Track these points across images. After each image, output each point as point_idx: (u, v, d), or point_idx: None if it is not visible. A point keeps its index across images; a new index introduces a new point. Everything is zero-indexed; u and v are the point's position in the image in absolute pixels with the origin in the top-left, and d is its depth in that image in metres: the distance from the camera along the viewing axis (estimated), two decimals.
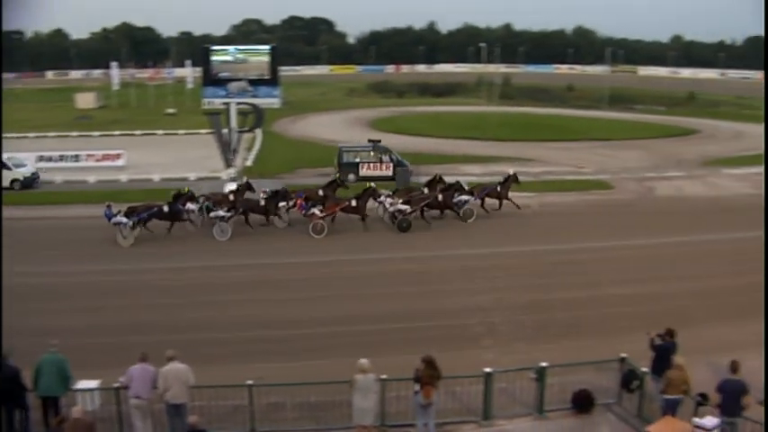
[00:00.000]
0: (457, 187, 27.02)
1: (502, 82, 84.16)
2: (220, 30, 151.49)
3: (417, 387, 11.75)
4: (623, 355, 13.13)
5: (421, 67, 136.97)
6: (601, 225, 27.08)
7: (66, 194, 31.39)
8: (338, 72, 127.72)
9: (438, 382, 11.77)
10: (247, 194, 26.42)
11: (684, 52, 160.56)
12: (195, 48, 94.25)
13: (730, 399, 11.25)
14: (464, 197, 26.63)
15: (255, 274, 21.11)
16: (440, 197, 26.49)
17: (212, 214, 25.00)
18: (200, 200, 25.63)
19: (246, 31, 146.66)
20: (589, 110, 71.01)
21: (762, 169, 37.45)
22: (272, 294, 19.34)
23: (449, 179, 28.45)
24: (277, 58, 66.95)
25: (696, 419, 11.03)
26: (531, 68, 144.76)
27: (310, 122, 58.50)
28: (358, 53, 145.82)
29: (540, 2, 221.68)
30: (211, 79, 65.46)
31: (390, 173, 34.05)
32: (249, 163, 38.89)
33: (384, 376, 12.08)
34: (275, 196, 25.71)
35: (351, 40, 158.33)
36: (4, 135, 33.91)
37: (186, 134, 49.32)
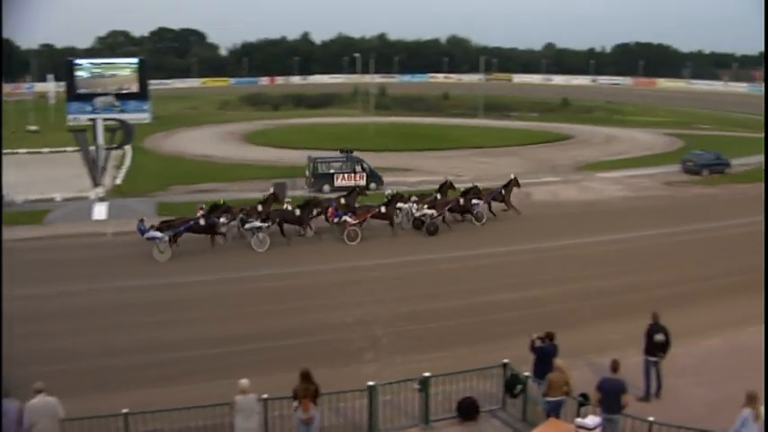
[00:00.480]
0: (475, 191, 28.73)
1: (378, 92, 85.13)
2: (85, 42, 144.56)
3: (296, 403, 11.66)
4: (505, 360, 13.27)
5: (296, 79, 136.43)
6: (480, 232, 27.67)
7: None
8: (210, 85, 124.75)
9: (317, 397, 11.65)
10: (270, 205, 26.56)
11: (557, 60, 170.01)
12: (58, 61, 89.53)
13: (610, 397, 11.53)
14: (475, 201, 28.38)
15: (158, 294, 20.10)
16: (461, 201, 28.24)
17: (248, 226, 25.16)
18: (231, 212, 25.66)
19: (113, 44, 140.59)
20: (465, 118, 73.20)
21: (634, 172, 40.01)
22: (146, 317, 18.60)
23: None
24: (146, 72, 64.26)
25: (578, 419, 11.25)
26: (407, 78, 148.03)
27: (182, 137, 56.88)
28: (231, 65, 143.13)
29: (415, 12, 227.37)
30: (76, 94, 61.97)
31: (363, 183, 34.76)
32: (119, 181, 37.46)
33: (265, 396, 11.83)
34: (307, 206, 26.35)
35: (223, 51, 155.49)
36: None
37: (51, 152, 46.79)
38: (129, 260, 23.69)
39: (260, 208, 25.98)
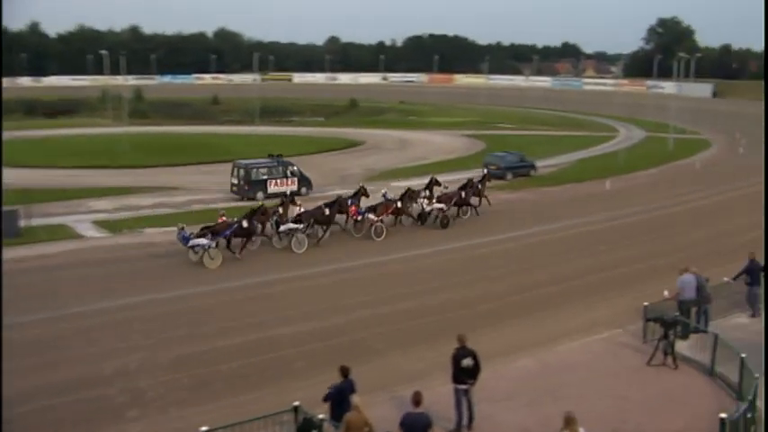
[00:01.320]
0: (470, 185, 34.61)
1: (132, 96, 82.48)
2: None
3: None
4: (296, 403, 13.31)
5: (25, 80, 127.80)
6: (252, 257, 27.60)
7: None
8: None
9: None
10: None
11: (342, 56, 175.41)
12: None
13: None
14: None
15: None
16: (463, 194, 33.88)
17: (283, 228, 28.68)
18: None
19: None
20: (239, 125, 73.35)
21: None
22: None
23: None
24: None
25: None
26: (167, 79, 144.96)
27: None
28: None
29: (173, 1, 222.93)
30: None
31: (295, 187, 38.51)
32: None
33: None
34: (333, 206, 30.32)
35: None
36: None
37: None
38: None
39: (280, 210, 29.71)
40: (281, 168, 39.03)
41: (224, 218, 28.31)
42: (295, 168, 39.54)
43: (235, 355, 18.45)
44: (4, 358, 15.76)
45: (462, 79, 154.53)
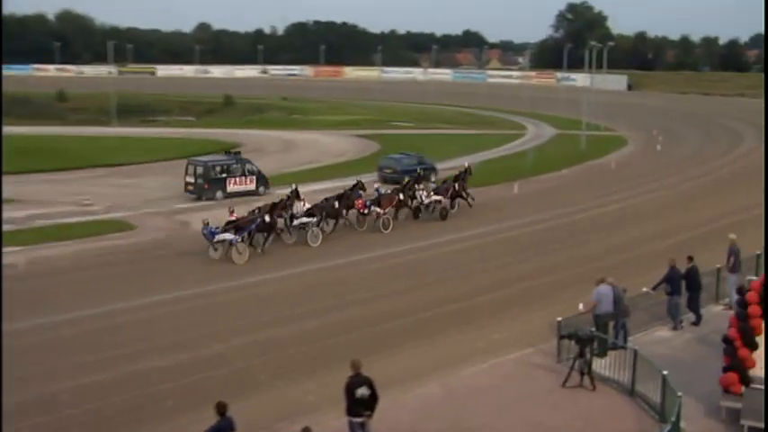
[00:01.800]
0: (462, 177, 38.71)
1: None
2: None
3: None
4: None
5: None
6: (111, 280, 26.96)
7: None
8: None
9: None
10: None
11: (215, 45, 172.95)
12: None
13: None
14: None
15: None
16: (456, 186, 38.05)
17: (296, 222, 32.16)
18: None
19: None
20: (92, 126, 71.65)
21: (323, 185, 42.23)
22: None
23: None
24: None
25: None
26: None
27: None
28: None
29: None
30: None
31: (254, 186, 41.73)
32: None
33: None
34: (342, 199, 34.06)
35: None
36: None
37: None
38: None
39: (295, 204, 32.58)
40: (239, 166, 41.85)
41: (234, 214, 30.63)
42: (253, 167, 42.49)
43: (79, 398, 17.89)
44: None
45: (353, 72, 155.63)
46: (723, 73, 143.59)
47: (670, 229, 34.66)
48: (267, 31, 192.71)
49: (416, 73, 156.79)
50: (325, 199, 34.17)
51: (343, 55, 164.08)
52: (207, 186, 40.60)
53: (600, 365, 18.47)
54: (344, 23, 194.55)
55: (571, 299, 21.43)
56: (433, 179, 45.84)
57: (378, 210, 34.38)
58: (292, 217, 32.21)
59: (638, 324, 21.10)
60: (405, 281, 27.10)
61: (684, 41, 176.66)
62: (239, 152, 43.80)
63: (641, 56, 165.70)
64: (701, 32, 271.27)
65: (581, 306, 19.84)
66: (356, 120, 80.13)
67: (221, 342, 21.19)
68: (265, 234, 30.81)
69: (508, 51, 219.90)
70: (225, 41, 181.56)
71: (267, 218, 30.59)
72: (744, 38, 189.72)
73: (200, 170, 40.93)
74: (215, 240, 29.39)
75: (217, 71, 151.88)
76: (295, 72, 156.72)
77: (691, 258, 22.04)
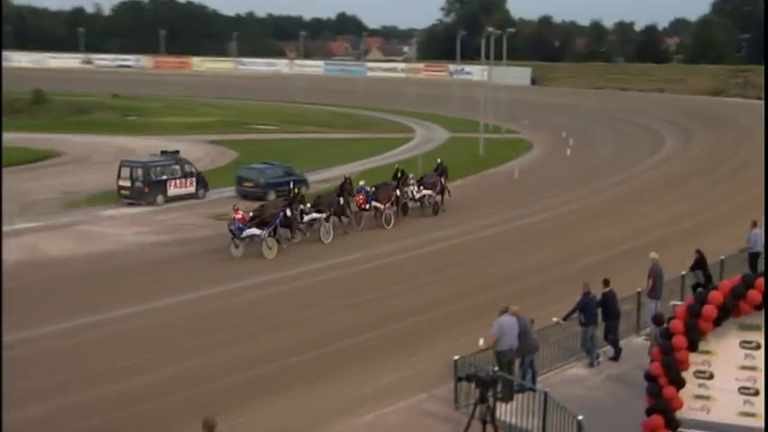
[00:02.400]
0: (445, 171, 44.74)
1: None
2: None
3: None
4: None
5: None
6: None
7: None
8: None
9: None
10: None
11: (19, 27, 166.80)
12: None
13: None
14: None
15: None
16: (443, 180, 44.02)
17: (307, 218, 36.86)
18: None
19: None
20: None
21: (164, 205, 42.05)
22: None
23: None
24: None
25: None
26: None
27: None
28: None
29: None
30: None
31: (194, 189, 45.78)
32: None
33: None
34: (344, 194, 38.96)
35: None
36: None
37: None
38: None
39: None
40: (179, 167, 45.48)
41: (239, 212, 34.46)
42: (192, 168, 46.37)
43: None
44: None
45: (203, 64, 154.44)
46: (640, 64, 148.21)
47: (583, 248, 35.58)
48: (89, 10, 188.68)
49: (281, 65, 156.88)
50: (319, 196, 38.76)
51: (190, 42, 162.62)
52: (147, 190, 43.74)
53: (505, 411, 18.67)
54: (190, 2, 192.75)
55: (470, 333, 21.73)
56: (304, 190, 45.98)
57: (379, 205, 39.80)
58: (302, 213, 36.84)
59: (548, 361, 21.50)
60: (263, 321, 26.99)
61: (596, 28, 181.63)
62: (177, 151, 47.56)
63: (547, 45, 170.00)
64: (615, 17, 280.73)
65: (481, 341, 20.01)
66: (208, 122, 79.50)
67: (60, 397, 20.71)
68: (288, 229, 36.02)
69: (391, 39, 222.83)
70: (33, 23, 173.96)
71: (288, 212, 35.46)
72: (663, 23, 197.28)
73: (138, 172, 43.99)
74: (242, 236, 33.98)
75: (23, 59, 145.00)
76: (128, 63, 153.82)
77: (607, 282, 22.39)
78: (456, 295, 29.10)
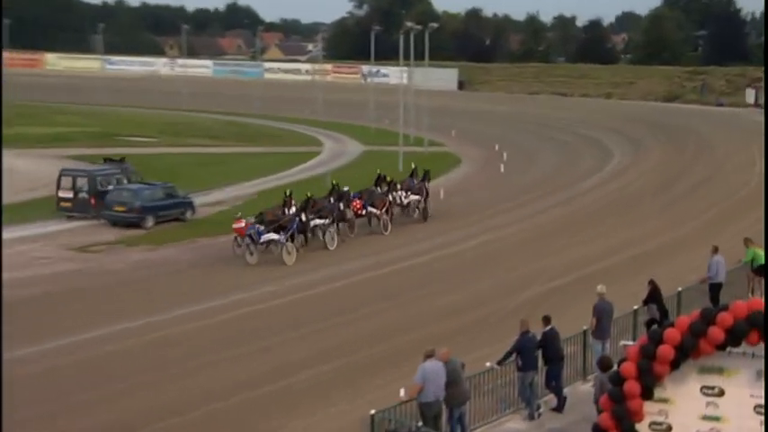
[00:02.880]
0: (427, 177, 50.64)
1: None
2: None
3: None
4: None
5: None
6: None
7: None
8: None
9: None
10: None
11: None
12: None
13: None
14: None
15: None
16: (426, 185, 49.77)
17: (313, 224, 41.15)
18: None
19: None
20: None
21: (14, 233, 41.30)
22: None
23: None
24: None
25: None
26: None
27: None
28: None
29: None
30: None
31: None
32: None
33: None
34: (343, 200, 43.80)
35: None
36: None
37: None
38: None
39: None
40: (125, 177, 47.50)
41: (242, 221, 38.19)
42: (139, 177, 48.55)
43: None
44: None
45: (60, 61, 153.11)
46: (583, 65, 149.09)
47: (519, 280, 35.95)
48: None
49: (159, 64, 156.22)
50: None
51: (43, 35, 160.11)
52: (93, 203, 45.39)
53: None
54: None
55: (391, 382, 21.81)
56: (189, 215, 46.00)
57: (375, 211, 44.86)
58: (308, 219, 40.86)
59: (480, 413, 21.55)
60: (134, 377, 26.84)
61: (532, 23, 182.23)
62: (124, 159, 50.16)
63: (476, 42, 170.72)
64: (554, 11, 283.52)
65: (402, 392, 20.08)
66: (67, 133, 78.66)
67: None
68: (302, 234, 40.23)
69: (293, 35, 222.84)
70: None
71: (304, 216, 39.96)
72: (608, 18, 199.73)
73: (81, 182, 45.92)
74: (261, 241, 38.10)
75: None
76: None
77: (547, 320, 22.37)
78: (376, 337, 29.23)
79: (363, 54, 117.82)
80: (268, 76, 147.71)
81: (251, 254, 38.12)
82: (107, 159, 50.77)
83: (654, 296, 25.84)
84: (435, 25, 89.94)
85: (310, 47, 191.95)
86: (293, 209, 41.13)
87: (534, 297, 32.55)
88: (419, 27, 74.41)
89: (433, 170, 62.42)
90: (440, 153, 72.28)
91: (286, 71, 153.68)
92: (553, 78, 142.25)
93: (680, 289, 27.77)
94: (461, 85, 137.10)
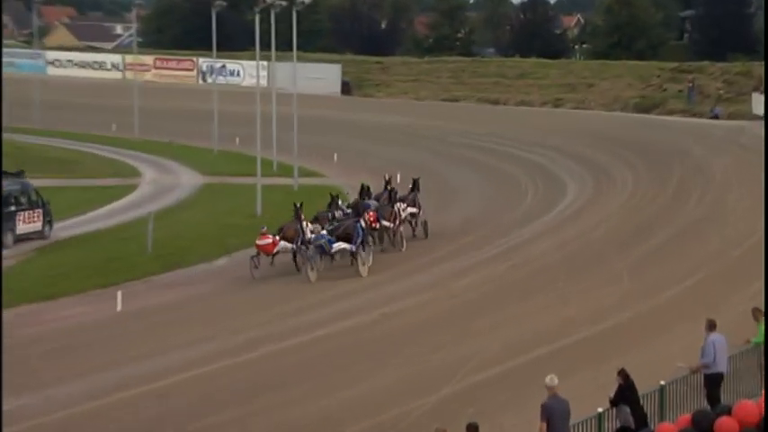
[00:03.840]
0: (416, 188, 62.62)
1: None
2: None
3: None
4: None
5: None
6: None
7: None
8: None
9: None
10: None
11: None
12: None
13: None
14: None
15: None
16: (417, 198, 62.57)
17: (335, 248, 50.69)
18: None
19: None
20: None
21: None
22: None
23: None
24: None
25: None
26: None
27: None
28: None
29: None
30: None
31: (41, 225, 54.64)
32: None
33: None
34: (358, 213, 54.88)
35: None
36: None
37: None
38: None
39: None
40: (26, 194, 54.74)
41: (268, 236, 46.41)
42: (38, 196, 55.38)
43: None
44: None
45: None
46: (522, 59, 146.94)
47: (438, 369, 36.20)
48: None
49: None
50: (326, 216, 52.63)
51: None
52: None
53: None
54: None
55: None
56: None
57: (386, 224, 55.33)
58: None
59: None
60: None
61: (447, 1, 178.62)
62: (23, 172, 55.20)
63: (366, 28, 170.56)
64: None
65: None
66: None
67: None
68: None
69: (90, 13, 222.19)
70: None
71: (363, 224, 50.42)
72: None
73: None
74: (333, 250, 47.29)
75: None
76: None
77: (473, 429, 22.58)
78: None
79: (201, 42, 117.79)
80: (53, 71, 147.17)
81: (312, 269, 45.70)
82: (5, 173, 52.52)
83: (625, 393, 25.59)
84: (307, 1, 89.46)
85: (119, 29, 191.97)
86: (305, 223, 49.00)
87: (458, 393, 32.80)
88: (283, 3, 74.48)
89: (309, 212, 63.33)
90: (316, 187, 72.65)
91: (81, 64, 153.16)
92: (479, 79, 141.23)
93: (662, 383, 27.09)
94: (347, 88, 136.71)
